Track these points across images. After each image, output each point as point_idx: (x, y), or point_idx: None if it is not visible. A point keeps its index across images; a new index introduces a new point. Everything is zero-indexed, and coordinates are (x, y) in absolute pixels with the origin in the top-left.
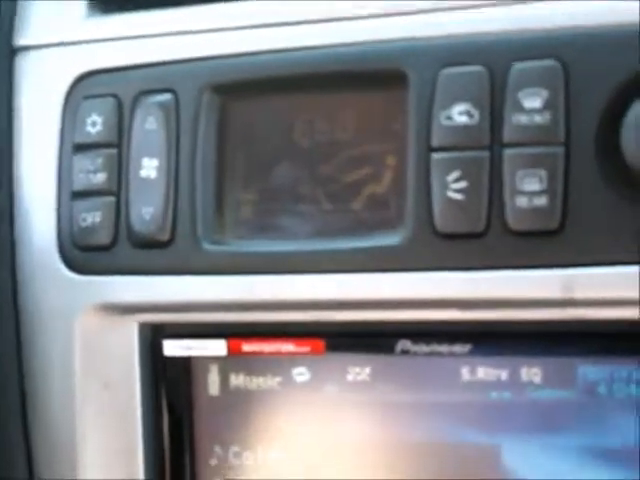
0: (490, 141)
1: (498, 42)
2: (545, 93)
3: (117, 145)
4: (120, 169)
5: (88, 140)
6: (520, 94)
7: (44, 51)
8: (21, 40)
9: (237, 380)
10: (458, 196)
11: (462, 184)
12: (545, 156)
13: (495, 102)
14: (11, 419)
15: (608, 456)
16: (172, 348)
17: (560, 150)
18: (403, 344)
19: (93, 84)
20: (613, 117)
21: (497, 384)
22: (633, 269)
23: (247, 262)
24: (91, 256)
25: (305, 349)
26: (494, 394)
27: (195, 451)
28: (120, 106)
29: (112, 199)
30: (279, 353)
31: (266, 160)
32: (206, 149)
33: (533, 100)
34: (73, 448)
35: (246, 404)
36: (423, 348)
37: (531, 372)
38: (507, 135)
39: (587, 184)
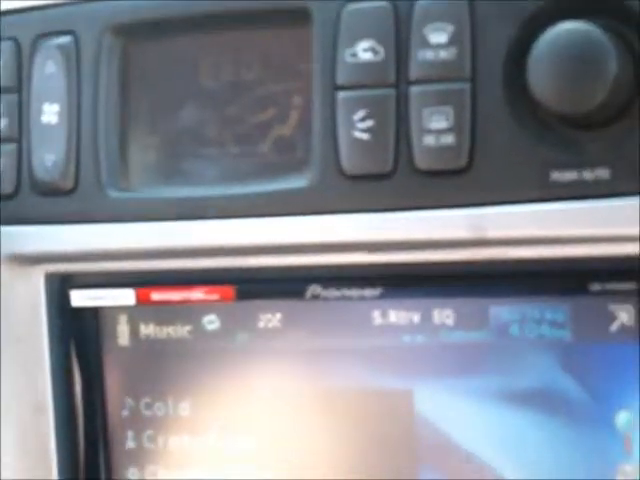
0: (396, 78)
1: None
2: (451, 28)
3: (17, 90)
4: (21, 115)
5: None
6: (425, 29)
7: None
8: None
9: (147, 330)
10: (364, 136)
11: (368, 123)
12: (451, 93)
13: (401, 38)
14: None
15: (521, 397)
16: (80, 298)
17: (466, 86)
18: (313, 289)
19: None
20: (519, 52)
21: (409, 327)
22: (542, 207)
23: (153, 208)
24: None
25: (214, 297)
26: (406, 338)
27: (106, 403)
28: (19, 50)
29: (13, 146)
30: (188, 301)
31: (171, 103)
32: (108, 93)
33: (439, 35)
34: None
35: (156, 354)
36: (334, 293)
37: (443, 314)
38: (413, 72)
39: (494, 121)
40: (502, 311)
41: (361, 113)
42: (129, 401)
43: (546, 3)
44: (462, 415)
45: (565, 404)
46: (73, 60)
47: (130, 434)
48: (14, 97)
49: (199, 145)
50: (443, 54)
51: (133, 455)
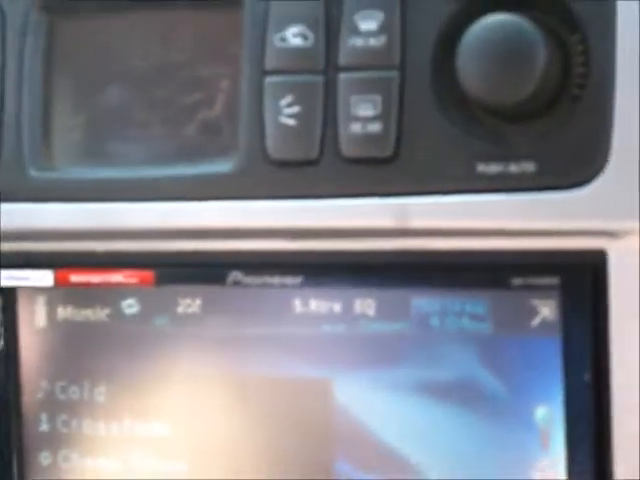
0: (325, 65)
1: None
2: (381, 15)
3: None
4: None
5: None
6: (356, 16)
7: None
8: None
9: (65, 312)
10: (291, 121)
11: (295, 109)
12: (380, 81)
13: (331, 24)
14: None
15: (441, 390)
16: None
17: (395, 75)
18: (234, 275)
19: None
20: (449, 41)
21: (330, 316)
22: (467, 198)
23: (75, 189)
24: None
25: (134, 280)
26: (327, 327)
27: (21, 385)
28: None
29: None
30: (107, 284)
31: (97, 83)
32: (33, 70)
33: (369, 22)
34: None
35: (74, 337)
36: (255, 280)
37: (365, 304)
38: (342, 59)
39: (422, 110)
40: (423, 303)
41: (288, 98)
42: (44, 384)
43: None
44: (381, 406)
45: (484, 398)
46: None
47: (44, 417)
48: None
49: (124, 126)
50: (373, 42)
51: (46, 439)
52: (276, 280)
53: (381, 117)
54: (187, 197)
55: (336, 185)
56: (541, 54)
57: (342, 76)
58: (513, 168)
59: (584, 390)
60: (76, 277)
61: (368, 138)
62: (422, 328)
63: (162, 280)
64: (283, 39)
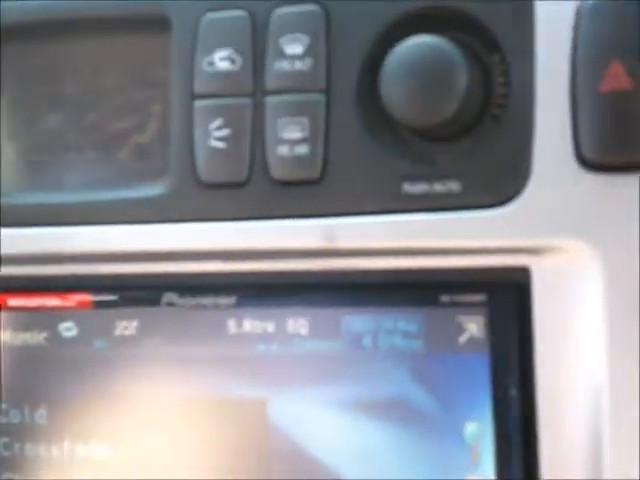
0: (252, 88)
1: None
2: (306, 39)
3: None
4: None
5: None
6: (282, 40)
7: None
8: None
9: (4, 336)
10: (220, 144)
11: (224, 132)
12: (306, 103)
13: (257, 48)
14: None
15: (375, 408)
16: None
17: (321, 97)
18: (169, 297)
19: None
20: (373, 64)
21: (264, 336)
22: (394, 218)
23: (13, 214)
24: None
25: (71, 304)
26: (261, 347)
27: None
28: None
29: None
30: (45, 308)
31: (31, 108)
32: None
33: (294, 46)
34: None
35: (13, 361)
36: (189, 301)
37: (298, 324)
38: (269, 82)
39: (348, 132)
40: (355, 321)
41: (217, 122)
42: None
43: (399, 18)
44: (315, 425)
45: (417, 415)
46: None
47: None
48: None
49: (58, 151)
50: (298, 65)
51: None
52: (209, 301)
53: (308, 139)
54: (121, 220)
55: (265, 206)
56: (462, 75)
57: (269, 99)
58: (438, 187)
59: (511, 405)
60: (14, 301)
61: (296, 160)
62: (355, 346)
63: (99, 303)
64: (211, 63)
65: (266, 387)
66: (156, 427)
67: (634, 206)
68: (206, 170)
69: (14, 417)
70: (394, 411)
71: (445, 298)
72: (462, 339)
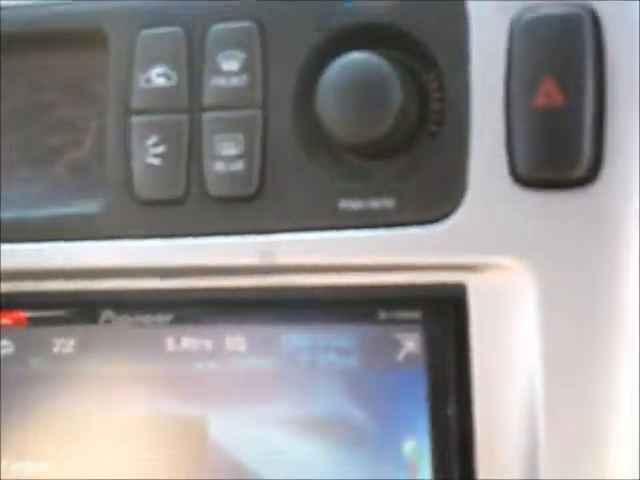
0: (189, 104)
1: (196, 4)
2: (242, 55)
3: None
4: None
5: None
6: (218, 56)
7: None
8: None
9: None
10: (157, 161)
11: (161, 149)
12: (242, 120)
13: (194, 64)
14: None
15: (312, 425)
16: None
17: (257, 113)
18: (107, 315)
19: None
20: (309, 80)
21: (202, 354)
22: (331, 235)
23: None
24: None
25: (7, 321)
26: (199, 364)
27: None
28: None
29: None
30: None
31: None
32: None
33: (230, 62)
34: None
35: None
36: (126, 318)
37: (236, 341)
38: (206, 98)
39: (284, 148)
40: (293, 338)
41: (154, 138)
42: None
43: (335, 34)
44: (255, 442)
45: (354, 432)
46: None
47: None
48: None
49: None
50: (235, 81)
51: None
52: (147, 319)
53: (244, 155)
54: (57, 237)
55: (202, 223)
56: (397, 92)
57: (206, 115)
58: (374, 204)
59: (448, 422)
60: None
61: (232, 176)
62: (293, 364)
63: (35, 321)
64: (148, 79)
65: (205, 404)
66: (94, 445)
67: (568, 223)
68: (143, 187)
69: None
70: (332, 428)
71: (382, 315)
72: (400, 356)
